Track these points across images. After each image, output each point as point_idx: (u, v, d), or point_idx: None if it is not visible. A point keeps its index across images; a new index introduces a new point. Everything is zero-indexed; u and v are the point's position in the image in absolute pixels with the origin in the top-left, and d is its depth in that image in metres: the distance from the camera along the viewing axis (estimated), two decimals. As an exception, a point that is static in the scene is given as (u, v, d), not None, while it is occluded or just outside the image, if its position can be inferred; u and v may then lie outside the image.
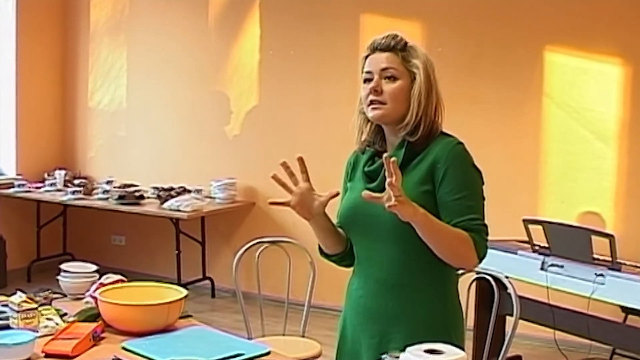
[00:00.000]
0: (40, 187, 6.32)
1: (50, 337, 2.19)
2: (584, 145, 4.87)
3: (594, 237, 3.73)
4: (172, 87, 6.38)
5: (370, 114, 2.00)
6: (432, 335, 1.79)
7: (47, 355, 2.10)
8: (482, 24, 5.14)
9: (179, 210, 5.59)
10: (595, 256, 3.74)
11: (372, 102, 1.99)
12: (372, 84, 1.99)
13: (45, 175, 6.45)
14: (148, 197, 6.00)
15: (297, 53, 5.80)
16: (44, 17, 6.66)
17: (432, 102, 2.00)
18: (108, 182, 6.22)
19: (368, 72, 2.01)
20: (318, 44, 5.70)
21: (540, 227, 3.92)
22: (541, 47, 4.97)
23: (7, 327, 2.27)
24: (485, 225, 1.94)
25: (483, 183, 1.99)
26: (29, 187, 6.29)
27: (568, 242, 3.81)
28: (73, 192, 6.05)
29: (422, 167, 1.96)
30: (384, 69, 1.98)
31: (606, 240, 3.63)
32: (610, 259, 3.64)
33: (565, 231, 3.90)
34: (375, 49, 2.02)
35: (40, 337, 2.18)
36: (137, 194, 5.96)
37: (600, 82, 4.83)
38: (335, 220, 2.09)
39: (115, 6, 6.62)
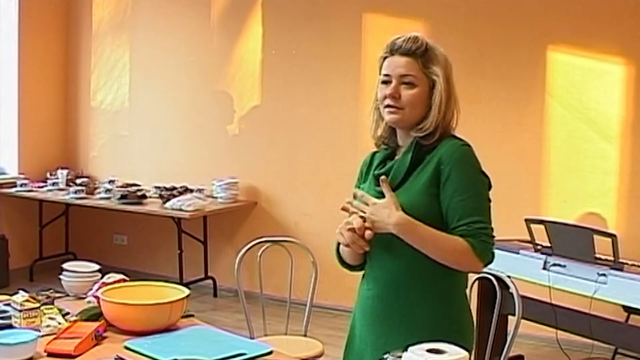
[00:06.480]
0: (42, 187, 6.33)
1: (53, 337, 2.19)
2: (587, 144, 4.86)
3: (596, 237, 3.73)
4: (175, 86, 6.39)
5: (387, 117, 2.01)
6: (437, 336, 1.78)
7: (49, 355, 2.11)
8: (485, 24, 5.13)
9: (181, 210, 5.59)
10: (598, 256, 3.73)
11: (389, 106, 1.98)
12: (390, 90, 1.98)
13: (48, 175, 6.45)
14: (150, 197, 6.00)
15: (299, 52, 5.80)
16: (46, 16, 6.66)
17: (451, 108, 2.01)
18: (110, 182, 6.22)
19: (386, 74, 2.00)
20: (320, 44, 5.70)
21: (542, 226, 3.92)
22: (544, 46, 4.96)
23: (10, 327, 2.27)
24: (488, 228, 1.94)
25: (490, 186, 1.99)
26: (32, 187, 6.29)
27: (570, 242, 3.80)
28: (75, 192, 6.05)
29: (429, 169, 1.96)
30: (402, 75, 1.97)
31: (608, 240, 3.63)
32: (612, 258, 3.64)
33: (567, 231, 3.89)
34: (394, 51, 2.00)
35: (42, 336, 2.19)
36: (139, 193, 5.96)
37: (603, 81, 4.82)
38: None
39: (118, 5, 6.62)
